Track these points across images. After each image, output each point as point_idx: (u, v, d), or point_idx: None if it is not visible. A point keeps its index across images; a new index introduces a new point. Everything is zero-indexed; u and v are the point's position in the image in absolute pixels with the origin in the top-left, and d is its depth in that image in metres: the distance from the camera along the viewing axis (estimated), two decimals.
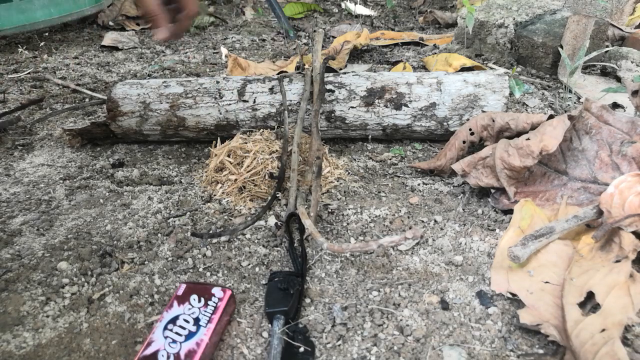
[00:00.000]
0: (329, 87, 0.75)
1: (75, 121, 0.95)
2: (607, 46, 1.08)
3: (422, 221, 0.60)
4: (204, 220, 0.62)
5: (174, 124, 0.78)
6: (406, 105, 0.74)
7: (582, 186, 0.59)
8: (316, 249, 0.56)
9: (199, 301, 0.44)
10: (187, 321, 0.43)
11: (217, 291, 0.45)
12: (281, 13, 1.47)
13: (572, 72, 0.86)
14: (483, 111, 0.72)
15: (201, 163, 0.77)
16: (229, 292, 0.46)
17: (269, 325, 0.46)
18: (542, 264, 0.49)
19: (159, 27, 0.62)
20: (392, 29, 1.53)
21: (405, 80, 0.76)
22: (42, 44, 1.47)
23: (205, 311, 0.44)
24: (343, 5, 1.83)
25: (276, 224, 0.58)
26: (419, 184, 0.68)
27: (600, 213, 0.52)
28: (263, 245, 0.57)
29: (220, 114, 0.76)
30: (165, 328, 0.42)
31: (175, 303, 0.44)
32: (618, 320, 0.40)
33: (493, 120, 0.67)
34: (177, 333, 0.42)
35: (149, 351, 0.40)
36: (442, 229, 0.58)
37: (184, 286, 0.46)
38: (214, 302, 0.44)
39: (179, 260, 0.55)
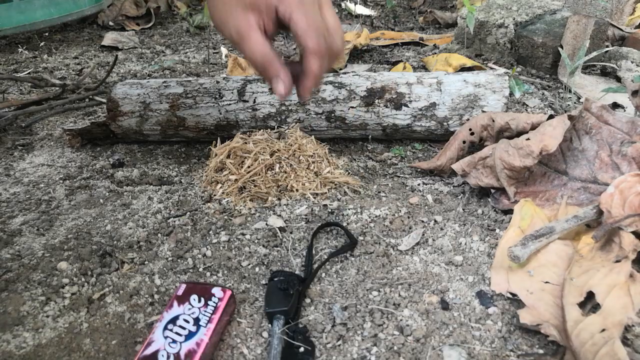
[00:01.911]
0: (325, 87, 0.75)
1: (75, 121, 0.95)
2: (607, 46, 1.08)
3: (422, 221, 0.60)
4: (204, 220, 0.62)
5: (174, 124, 0.78)
6: (406, 105, 0.74)
7: (582, 186, 0.59)
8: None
9: (199, 301, 0.44)
10: (187, 321, 0.43)
11: (217, 291, 0.45)
12: None
13: (572, 72, 0.86)
14: (483, 111, 0.72)
15: (201, 163, 0.77)
16: (229, 292, 0.46)
17: (269, 325, 0.46)
18: (542, 264, 0.49)
19: (276, 77, 0.48)
20: (392, 29, 1.53)
21: (405, 80, 0.76)
22: (42, 44, 1.47)
23: (205, 311, 0.43)
24: (343, 5, 1.83)
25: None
26: (419, 184, 0.68)
27: (600, 213, 0.52)
28: (263, 245, 0.57)
29: (220, 114, 0.76)
30: (165, 328, 0.42)
31: (175, 303, 0.44)
32: (618, 320, 0.40)
33: (493, 120, 0.67)
34: (177, 333, 0.42)
35: (148, 351, 0.40)
36: (442, 229, 0.58)
37: (183, 286, 0.46)
38: (214, 302, 0.44)
39: (179, 260, 0.55)
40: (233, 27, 0.47)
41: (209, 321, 0.43)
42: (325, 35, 0.47)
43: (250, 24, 0.46)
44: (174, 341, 0.41)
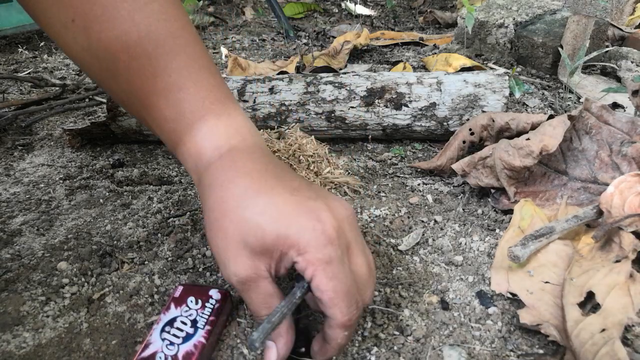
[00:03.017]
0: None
1: (75, 121, 0.95)
2: (607, 46, 1.08)
3: (422, 221, 0.60)
4: (204, 220, 0.62)
5: None
6: (406, 105, 0.74)
7: (582, 186, 0.59)
8: None
9: (196, 303, 0.44)
10: (184, 323, 0.43)
11: (214, 293, 0.45)
12: (281, 13, 1.48)
13: (572, 72, 0.86)
14: (483, 111, 0.72)
15: None
16: (226, 294, 0.45)
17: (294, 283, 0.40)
18: (542, 264, 0.49)
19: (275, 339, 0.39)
20: (392, 29, 1.53)
21: (405, 80, 0.76)
22: (42, 44, 1.47)
23: (203, 313, 0.43)
24: (343, 5, 1.83)
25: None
26: (419, 184, 0.68)
27: (600, 213, 0.52)
28: None
29: None
30: (163, 330, 0.42)
31: (172, 305, 0.44)
32: (618, 320, 0.40)
33: (493, 120, 0.67)
34: (174, 335, 0.41)
35: (146, 353, 0.40)
36: (442, 229, 0.58)
37: (180, 288, 0.46)
38: (211, 304, 0.44)
39: (179, 260, 0.55)
40: (234, 274, 0.38)
41: (207, 323, 0.43)
42: (357, 299, 0.37)
43: (258, 273, 0.38)
44: (172, 343, 0.41)
